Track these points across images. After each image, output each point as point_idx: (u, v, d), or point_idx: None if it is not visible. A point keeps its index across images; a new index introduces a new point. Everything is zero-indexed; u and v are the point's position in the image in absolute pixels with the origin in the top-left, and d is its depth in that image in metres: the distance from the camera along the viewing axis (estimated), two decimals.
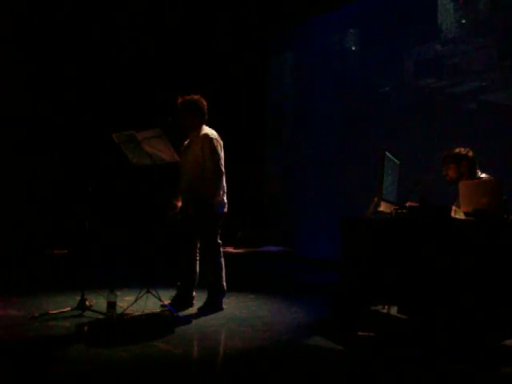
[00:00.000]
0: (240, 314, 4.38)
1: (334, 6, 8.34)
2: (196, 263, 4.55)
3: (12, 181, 6.99)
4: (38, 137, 7.25)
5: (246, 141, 8.85)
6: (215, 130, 4.55)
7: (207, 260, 4.50)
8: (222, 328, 3.87)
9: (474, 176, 4.23)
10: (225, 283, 4.51)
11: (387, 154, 4.02)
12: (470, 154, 4.29)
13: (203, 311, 4.33)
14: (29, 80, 7.21)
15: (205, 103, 4.51)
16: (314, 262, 7.56)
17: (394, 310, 4.22)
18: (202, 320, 4.08)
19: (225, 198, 4.50)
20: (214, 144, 4.38)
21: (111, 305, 3.94)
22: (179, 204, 4.55)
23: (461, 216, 3.66)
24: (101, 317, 3.98)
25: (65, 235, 7.06)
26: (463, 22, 6.67)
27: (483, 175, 4.24)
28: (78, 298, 4.19)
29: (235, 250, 5.98)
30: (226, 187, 4.51)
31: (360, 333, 3.77)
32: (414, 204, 3.81)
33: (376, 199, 3.90)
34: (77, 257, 6.52)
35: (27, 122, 7.17)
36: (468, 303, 3.27)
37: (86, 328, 3.76)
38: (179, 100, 4.48)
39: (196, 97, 4.49)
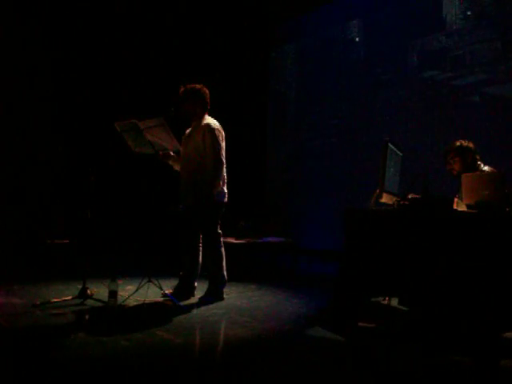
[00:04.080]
0: (241, 304, 4.39)
1: None
2: (199, 253, 4.55)
3: (14, 170, 6.98)
4: (40, 126, 7.24)
5: (248, 131, 8.84)
6: (217, 120, 4.53)
7: (207, 250, 4.50)
8: (222, 318, 3.87)
9: (476, 167, 4.23)
10: (225, 273, 4.51)
11: (390, 145, 4.01)
12: (471, 145, 4.32)
13: (204, 301, 4.34)
14: (30, 72, 7.19)
15: (207, 92, 4.49)
16: (315, 253, 7.57)
17: (394, 302, 4.22)
18: (203, 309, 4.10)
19: (225, 188, 4.49)
20: (215, 134, 4.36)
21: (112, 294, 3.95)
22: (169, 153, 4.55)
23: (463, 208, 3.66)
24: (102, 305, 3.99)
25: (67, 224, 7.07)
26: (468, 13, 6.62)
27: (486, 168, 4.24)
28: (80, 286, 4.21)
29: (237, 241, 5.98)
30: (226, 177, 4.50)
31: (361, 324, 3.78)
32: (416, 196, 3.81)
33: (378, 191, 3.90)
34: (78, 246, 6.53)
35: (30, 111, 7.16)
36: (469, 295, 3.27)
37: (87, 316, 3.77)
38: (181, 89, 4.46)
39: (198, 86, 4.47)
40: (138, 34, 8.02)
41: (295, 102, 9.17)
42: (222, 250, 4.50)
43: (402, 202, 3.74)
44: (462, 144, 4.31)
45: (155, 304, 4.22)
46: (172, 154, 4.56)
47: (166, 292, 4.34)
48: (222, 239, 4.51)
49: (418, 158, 6.47)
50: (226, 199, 4.50)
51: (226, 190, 4.50)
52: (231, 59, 8.82)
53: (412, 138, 6.86)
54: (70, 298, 4.14)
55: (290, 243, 6.64)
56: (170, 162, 4.62)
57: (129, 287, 4.66)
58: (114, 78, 7.79)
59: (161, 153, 4.47)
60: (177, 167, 4.62)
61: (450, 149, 4.37)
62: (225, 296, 4.52)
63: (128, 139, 4.35)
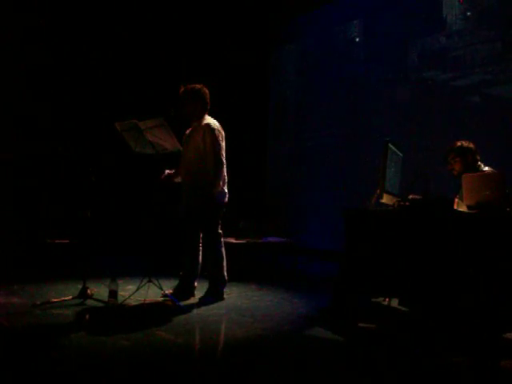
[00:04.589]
0: (241, 304, 4.39)
1: None
2: (199, 253, 4.55)
3: (14, 170, 6.98)
4: (41, 126, 7.24)
5: (248, 131, 8.84)
6: (217, 121, 4.53)
7: (208, 250, 4.50)
8: (222, 318, 3.87)
9: (476, 168, 4.24)
10: (226, 273, 4.51)
11: (390, 146, 4.01)
12: (471, 145, 4.32)
13: (204, 301, 4.34)
14: (30, 71, 7.18)
15: (207, 92, 4.49)
16: (315, 253, 7.56)
17: (394, 303, 4.22)
18: (203, 310, 4.10)
19: (225, 189, 4.49)
20: (215, 134, 4.36)
21: (113, 293, 3.95)
22: (171, 173, 4.59)
23: (463, 209, 3.66)
24: (102, 305, 3.99)
25: (67, 224, 7.06)
26: (468, 14, 6.62)
27: (486, 168, 4.24)
28: (80, 286, 4.20)
29: (237, 241, 5.98)
30: (226, 177, 4.49)
31: (360, 324, 3.78)
32: (417, 196, 3.81)
33: (378, 191, 3.90)
34: (79, 246, 6.53)
35: (30, 110, 7.15)
36: (469, 295, 3.27)
37: (87, 316, 3.77)
38: (182, 89, 4.46)
39: (199, 86, 4.47)
40: (139, 33, 8.01)
41: (295, 102, 9.16)
42: (223, 250, 4.50)
43: (402, 203, 3.74)
44: (462, 144, 4.32)
45: (155, 304, 4.22)
46: (170, 172, 4.59)
47: (166, 292, 4.34)
48: (222, 239, 4.51)
49: (418, 159, 6.47)
50: (226, 199, 4.50)
51: (226, 190, 4.49)
52: (231, 59, 8.82)
53: (412, 138, 6.85)
54: (70, 297, 4.14)
55: (290, 243, 6.64)
56: (176, 180, 4.62)
57: (129, 287, 4.65)
58: (115, 78, 7.79)
59: (163, 177, 4.56)
60: (179, 180, 4.63)
61: (451, 149, 4.37)
62: (225, 296, 4.52)
63: (128, 139, 4.36)
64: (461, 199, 3.82)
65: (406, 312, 3.88)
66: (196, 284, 4.57)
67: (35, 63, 7.20)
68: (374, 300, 4.48)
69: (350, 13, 8.17)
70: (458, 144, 4.34)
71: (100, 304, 4.03)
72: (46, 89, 7.29)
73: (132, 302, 4.14)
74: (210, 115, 4.55)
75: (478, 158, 4.31)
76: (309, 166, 8.65)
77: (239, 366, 2.86)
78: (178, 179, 4.62)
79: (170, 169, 4.64)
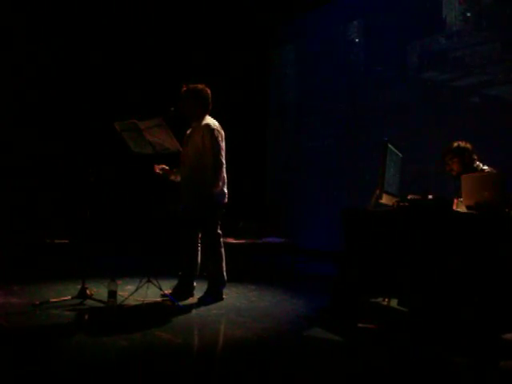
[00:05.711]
0: (240, 304, 4.39)
1: None
2: (197, 253, 4.55)
3: (14, 170, 6.98)
4: (41, 126, 7.24)
5: (249, 131, 8.84)
6: (218, 121, 4.52)
7: (207, 250, 4.50)
8: (221, 318, 3.88)
9: (474, 167, 4.26)
10: (225, 273, 4.51)
11: (389, 146, 4.01)
12: (468, 145, 4.35)
13: (203, 301, 4.34)
14: (30, 70, 7.18)
15: (209, 93, 4.47)
16: (314, 254, 7.56)
17: (394, 303, 4.22)
18: (203, 310, 4.10)
19: (225, 189, 4.48)
20: (214, 134, 4.34)
21: (112, 294, 3.95)
22: (167, 169, 4.57)
23: (462, 209, 3.66)
24: (101, 305, 3.99)
25: (67, 224, 7.06)
26: (468, 15, 6.62)
27: (486, 167, 4.25)
28: (79, 286, 4.20)
29: (236, 241, 5.98)
30: (226, 178, 4.48)
31: (360, 324, 3.78)
32: (416, 197, 3.81)
33: (378, 191, 3.90)
34: (78, 246, 6.52)
35: (30, 111, 7.15)
36: (468, 296, 3.27)
37: (86, 316, 3.77)
38: (183, 88, 4.45)
39: (200, 86, 4.45)
40: (139, 33, 8.01)
41: (295, 103, 9.16)
42: (222, 250, 4.50)
43: (401, 203, 3.74)
44: (459, 145, 4.34)
45: (154, 304, 4.22)
46: (166, 168, 4.56)
47: (166, 292, 4.34)
48: (221, 240, 4.51)
49: (417, 159, 6.47)
50: (226, 200, 4.49)
51: (226, 191, 4.49)
52: (231, 59, 8.82)
53: (412, 138, 6.85)
54: (69, 298, 4.13)
55: (290, 244, 6.64)
56: (172, 177, 4.61)
57: (128, 287, 4.65)
58: (115, 78, 7.78)
59: (159, 172, 4.51)
60: (178, 179, 4.61)
61: (448, 150, 4.39)
62: (224, 296, 4.52)
63: (128, 139, 4.35)
64: (460, 200, 3.82)
65: (405, 312, 3.87)
66: (195, 284, 4.56)
67: (35, 63, 7.20)
68: (373, 300, 4.48)
69: (350, 13, 8.17)
70: (455, 144, 4.36)
71: (99, 304, 4.03)
72: (45, 89, 7.29)
73: (131, 302, 4.14)
74: (210, 115, 4.54)
75: (476, 157, 4.33)
76: (308, 167, 8.65)
77: (238, 366, 2.86)
78: (177, 178, 4.60)
79: (168, 168, 4.62)
